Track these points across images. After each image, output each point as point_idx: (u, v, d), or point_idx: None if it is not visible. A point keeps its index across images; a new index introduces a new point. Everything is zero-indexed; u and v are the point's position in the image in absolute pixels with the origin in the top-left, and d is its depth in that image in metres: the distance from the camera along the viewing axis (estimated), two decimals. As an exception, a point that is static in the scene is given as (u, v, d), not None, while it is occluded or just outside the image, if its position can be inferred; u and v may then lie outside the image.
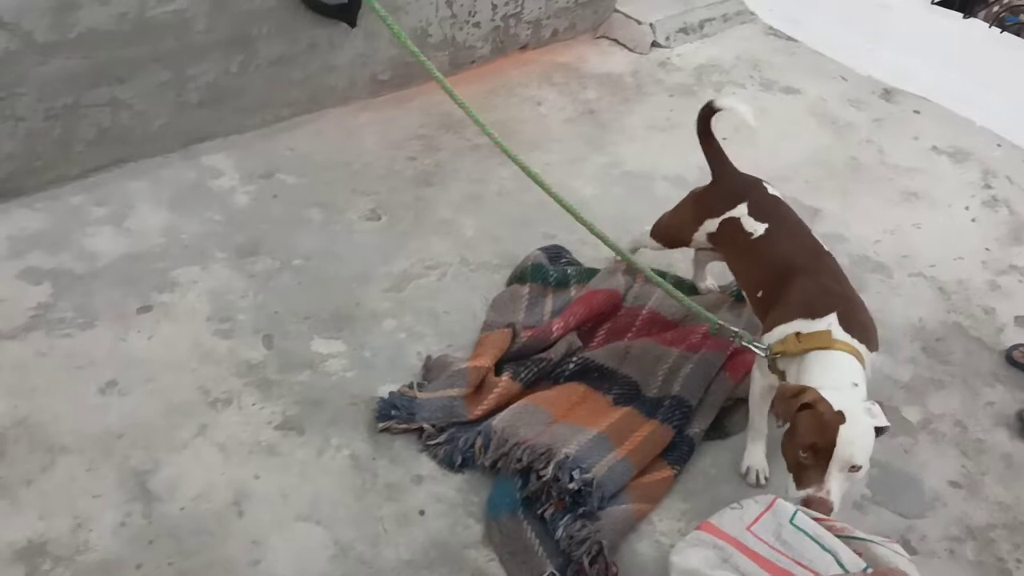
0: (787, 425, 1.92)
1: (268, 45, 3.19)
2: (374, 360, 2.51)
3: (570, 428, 2.28)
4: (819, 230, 3.22)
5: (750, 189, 2.43)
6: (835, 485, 1.85)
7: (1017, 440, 2.53)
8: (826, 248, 2.30)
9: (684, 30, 4.35)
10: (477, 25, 3.80)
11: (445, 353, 2.54)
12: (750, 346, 2.16)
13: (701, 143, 2.51)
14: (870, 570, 1.70)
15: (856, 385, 1.95)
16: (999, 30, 4.11)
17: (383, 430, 2.30)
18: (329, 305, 2.66)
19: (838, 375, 1.96)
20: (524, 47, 4.07)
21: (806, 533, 1.77)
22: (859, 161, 3.61)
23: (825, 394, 1.88)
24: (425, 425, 2.28)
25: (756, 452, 2.33)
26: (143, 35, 2.87)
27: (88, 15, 2.73)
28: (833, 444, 1.83)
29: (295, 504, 2.13)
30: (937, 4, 4.40)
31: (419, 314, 2.68)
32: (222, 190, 3.05)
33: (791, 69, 4.22)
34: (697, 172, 3.45)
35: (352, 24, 3.34)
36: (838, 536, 1.77)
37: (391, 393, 2.38)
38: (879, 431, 1.88)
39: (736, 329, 2.22)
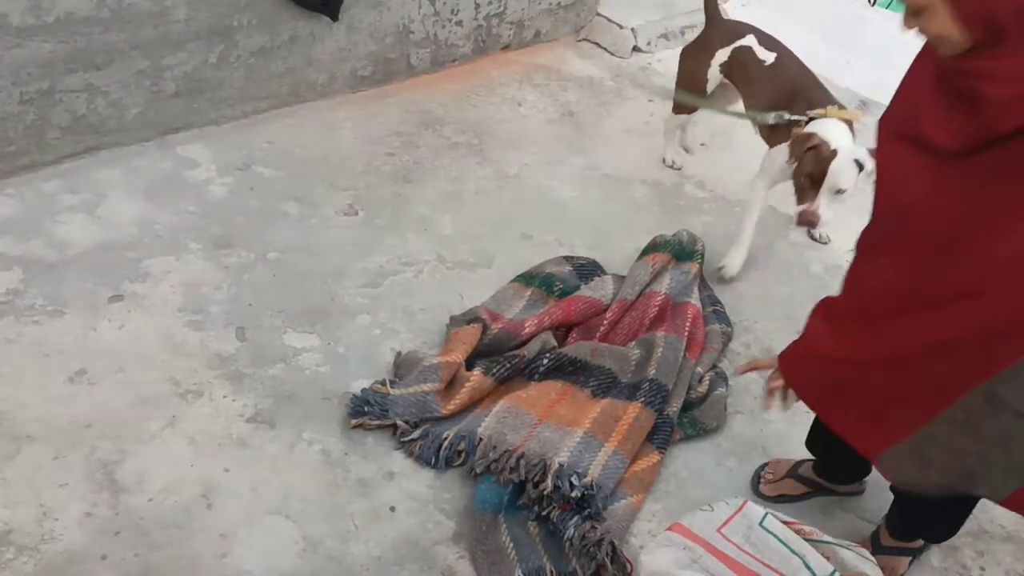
0: (796, 163, 2.58)
1: (249, 37, 3.17)
2: (348, 355, 2.50)
3: (556, 430, 2.29)
4: (796, 239, 3.27)
5: (753, 27, 3.02)
6: (824, 202, 2.55)
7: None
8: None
9: (665, 36, 4.37)
10: (459, 24, 3.80)
11: (415, 349, 2.53)
12: (793, 117, 2.70)
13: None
14: (837, 574, 1.72)
15: (849, 137, 2.60)
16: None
17: (356, 426, 2.29)
18: (304, 299, 2.65)
19: (840, 132, 2.58)
20: (506, 47, 4.08)
21: (775, 536, 1.78)
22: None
23: (827, 136, 2.53)
24: (398, 421, 2.28)
25: (735, 255, 2.94)
26: (122, 22, 2.84)
27: (66, 0, 2.69)
28: (825, 173, 2.51)
29: (265, 498, 2.12)
30: (914, 18, 4.46)
31: (394, 311, 2.67)
32: (198, 181, 3.02)
33: (770, 78, 4.25)
34: (675, 177, 3.48)
35: (334, 18, 3.33)
36: (807, 540, 1.79)
37: (364, 389, 2.36)
38: (860, 167, 2.50)
39: (775, 112, 2.76)
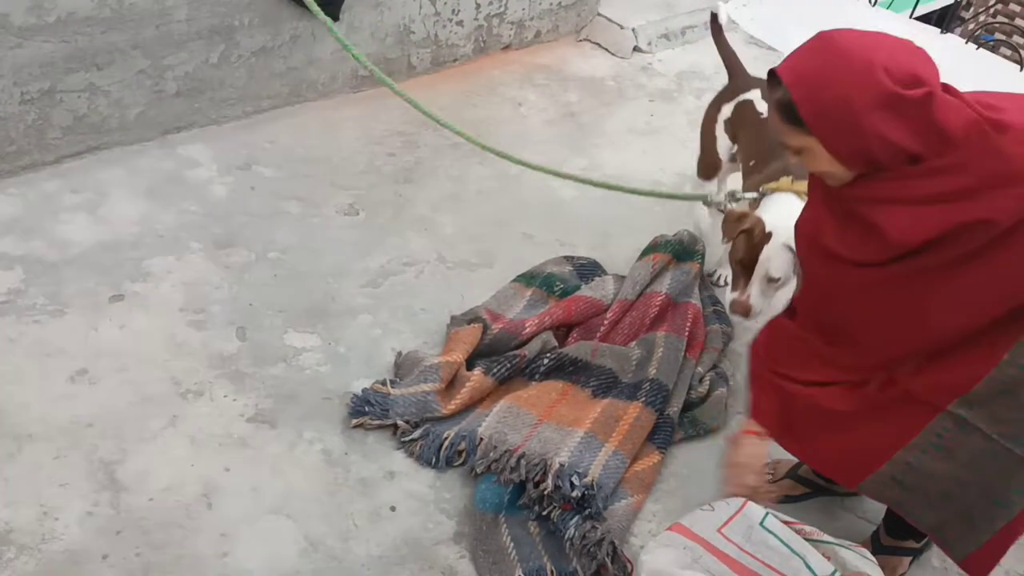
0: (730, 243, 2.33)
1: (250, 36, 3.17)
2: (349, 355, 2.50)
3: (557, 430, 2.29)
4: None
5: (761, 81, 2.66)
6: (755, 291, 2.28)
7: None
8: None
9: (666, 36, 4.37)
10: (460, 24, 3.80)
11: (416, 349, 2.53)
12: (744, 196, 2.43)
13: (716, 46, 2.94)
14: (838, 574, 1.72)
15: (791, 217, 2.16)
16: (975, 47, 4.18)
17: (356, 426, 2.29)
18: (305, 299, 2.65)
19: (786, 210, 2.22)
20: (507, 47, 4.08)
21: (776, 536, 1.78)
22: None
23: (768, 216, 2.25)
24: (399, 421, 2.28)
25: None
26: (123, 22, 2.84)
27: (67, 0, 2.70)
28: (756, 259, 2.24)
29: (265, 498, 2.12)
30: (916, 19, 4.46)
31: (395, 310, 2.67)
32: (199, 181, 3.02)
33: (770, 78, 4.25)
34: (675, 177, 3.48)
35: (335, 18, 3.33)
36: (807, 539, 1.79)
37: (364, 389, 2.37)
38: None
39: (727, 191, 2.50)
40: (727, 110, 2.78)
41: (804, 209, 1.81)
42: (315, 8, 2.79)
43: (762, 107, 2.65)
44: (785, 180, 2.35)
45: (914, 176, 1.52)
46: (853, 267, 1.64)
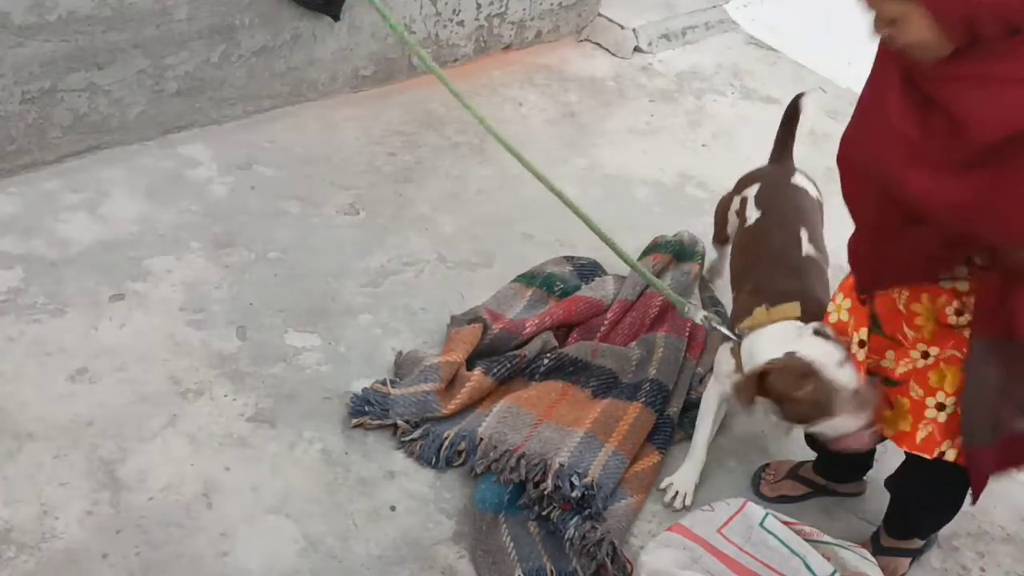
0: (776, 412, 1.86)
1: (250, 36, 3.17)
2: (349, 355, 2.50)
3: (557, 430, 2.29)
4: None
5: (770, 174, 2.44)
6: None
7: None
8: (812, 252, 2.22)
9: (666, 36, 4.36)
10: (461, 24, 3.79)
11: (415, 349, 2.53)
12: (719, 329, 2.11)
13: (782, 125, 2.54)
14: (838, 574, 1.72)
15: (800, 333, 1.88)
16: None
17: (356, 426, 2.29)
18: (305, 298, 2.65)
19: (782, 335, 1.89)
20: (507, 47, 4.07)
21: (776, 536, 1.79)
22: (835, 172, 3.62)
23: (780, 355, 1.83)
24: (399, 421, 2.28)
25: (687, 472, 2.26)
26: (123, 21, 2.84)
27: (68, -1, 2.70)
28: (830, 410, 1.77)
29: (265, 497, 2.12)
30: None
31: (395, 310, 2.67)
32: (199, 180, 3.02)
33: (771, 79, 4.25)
34: (676, 178, 3.48)
35: (336, 18, 3.33)
36: (807, 540, 1.79)
37: (364, 389, 2.36)
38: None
39: (706, 313, 2.19)
40: (736, 202, 2.45)
41: (852, 131, 1.66)
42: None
43: (750, 211, 2.34)
44: (760, 312, 2.01)
45: (1013, 50, 1.40)
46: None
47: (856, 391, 1.76)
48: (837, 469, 2.26)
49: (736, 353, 2.04)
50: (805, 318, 1.95)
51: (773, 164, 2.52)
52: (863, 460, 2.21)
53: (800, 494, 2.29)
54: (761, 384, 1.82)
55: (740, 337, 2.03)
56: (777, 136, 2.54)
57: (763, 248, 2.24)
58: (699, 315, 2.17)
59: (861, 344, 1.86)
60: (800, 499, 2.29)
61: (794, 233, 2.23)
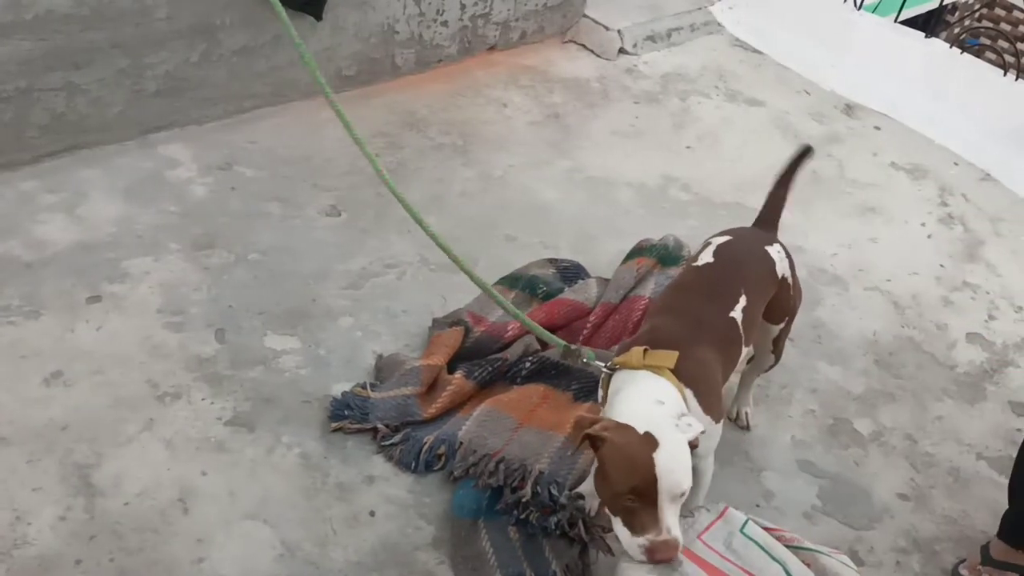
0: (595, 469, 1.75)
1: (231, 36, 3.14)
2: (329, 358, 2.48)
3: (537, 435, 2.28)
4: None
5: (749, 234, 2.26)
6: (672, 519, 1.64)
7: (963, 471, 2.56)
8: (738, 318, 2.00)
9: (652, 38, 4.36)
10: (445, 24, 3.78)
11: (397, 352, 2.51)
12: (592, 363, 1.99)
13: (776, 184, 2.36)
14: (818, 580, 1.71)
15: (662, 403, 1.73)
16: (959, 51, 4.19)
17: (336, 430, 2.27)
18: (285, 301, 2.62)
19: (645, 392, 1.76)
20: (492, 48, 4.06)
21: (756, 543, 1.77)
22: (819, 175, 3.64)
23: (628, 418, 1.69)
24: (379, 425, 2.26)
25: None
26: (102, 20, 2.81)
27: (45, -4, 2.67)
28: (655, 479, 1.61)
29: (242, 502, 2.09)
30: (901, 23, 4.47)
31: (376, 313, 2.65)
32: (179, 181, 2.99)
33: (756, 81, 4.25)
34: (659, 180, 3.47)
35: (318, 17, 3.31)
36: (787, 546, 1.78)
37: (344, 393, 2.34)
38: (692, 445, 1.68)
39: (580, 347, 2.10)
40: (719, 240, 2.19)
41: None
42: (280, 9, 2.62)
43: (705, 256, 2.12)
44: (636, 352, 1.83)
45: None
46: None
47: (657, 531, 1.63)
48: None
49: (605, 385, 1.91)
50: (679, 375, 1.81)
51: (758, 225, 2.35)
52: None
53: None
54: (595, 439, 1.70)
55: (613, 370, 1.89)
56: (769, 195, 2.37)
57: (692, 291, 2.07)
58: (584, 349, 2.05)
59: None
60: None
61: (733, 293, 2.03)
